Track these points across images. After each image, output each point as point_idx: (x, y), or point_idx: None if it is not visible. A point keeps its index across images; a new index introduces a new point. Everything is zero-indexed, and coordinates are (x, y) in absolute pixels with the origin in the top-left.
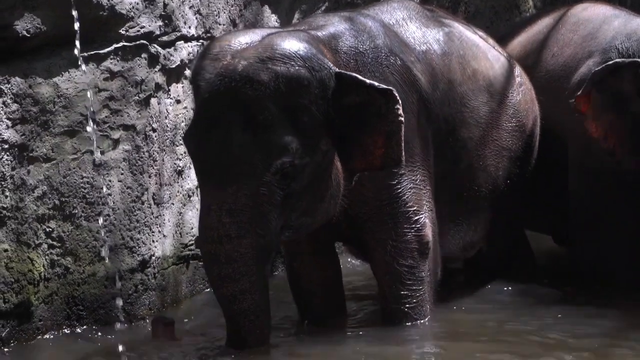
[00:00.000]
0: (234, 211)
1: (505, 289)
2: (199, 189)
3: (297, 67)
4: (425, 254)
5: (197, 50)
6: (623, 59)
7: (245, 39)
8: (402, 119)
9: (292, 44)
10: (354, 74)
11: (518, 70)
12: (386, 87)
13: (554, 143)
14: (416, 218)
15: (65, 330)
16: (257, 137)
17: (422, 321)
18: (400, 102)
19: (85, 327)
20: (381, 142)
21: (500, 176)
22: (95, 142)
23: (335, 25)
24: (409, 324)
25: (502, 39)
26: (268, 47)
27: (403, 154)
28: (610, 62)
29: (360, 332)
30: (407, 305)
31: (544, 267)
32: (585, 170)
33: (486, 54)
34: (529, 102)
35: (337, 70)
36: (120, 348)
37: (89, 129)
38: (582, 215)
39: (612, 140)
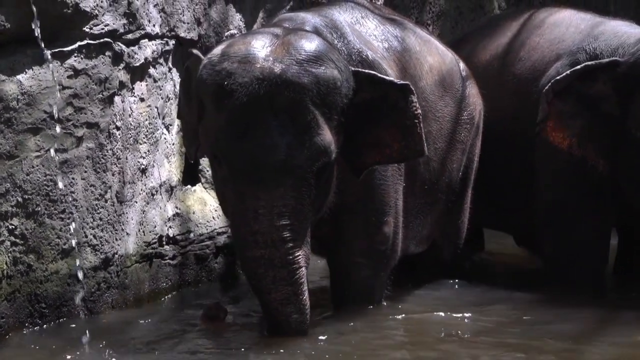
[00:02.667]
0: (285, 214)
1: (455, 283)
2: (162, 188)
3: (332, 69)
4: (383, 250)
5: (161, 49)
6: (594, 62)
7: (264, 41)
8: (420, 111)
9: (321, 46)
10: (373, 72)
11: (462, 64)
12: (404, 82)
13: (520, 144)
14: (383, 214)
15: (28, 327)
16: (300, 138)
17: (372, 307)
18: (415, 95)
19: (47, 324)
20: (399, 136)
21: (455, 169)
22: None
23: (311, 22)
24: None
25: (463, 41)
26: (300, 49)
27: (425, 145)
28: (578, 67)
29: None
30: (362, 294)
31: (505, 265)
32: (552, 171)
33: (437, 49)
34: (476, 96)
35: (353, 68)
36: (84, 339)
37: (57, 128)
38: (548, 215)
39: (584, 146)
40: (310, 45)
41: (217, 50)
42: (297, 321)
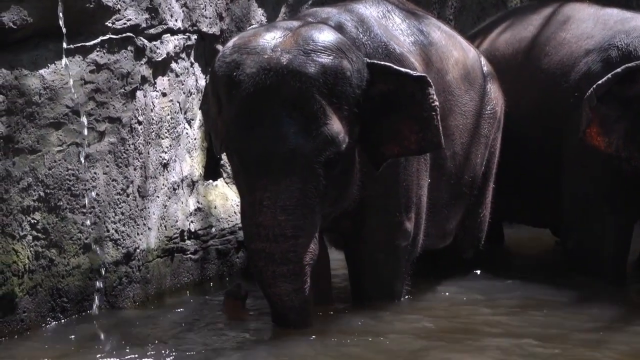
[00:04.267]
0: (288, 208)
1: (476, 277)
2: (184, 182)
3: (340, 59)
4: (404, 245)
5: (184, 44)
6: (634, 63)
7: (276, 33)
8: (437, 103)
9: (330, 36)
10: (388, 64)
11: (483, 59)
12: (420, 74)
13: (548, 138)
14: (405, 209)
15: (49, 321)
16: (306, 128)
17: (394, 303)
18: (433, 87)
19: (69, 318)
20: (416, 127)
21: (478, 164)
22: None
23: (337, 17)
24: (383, 307)
25: (481, 34)
26: (309, 39)
27: (442, 137)
28: (618, 70)
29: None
30: (382, 289)
31: (540, 260)
32: (580, 165)
33: (461, 44)
34: (498, 90)
35: (368, 60)
36: (102, 336)
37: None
38: (574, 208)
39: (628, 147)
40: (319, 36)
41: (230, 42)
42: (296, 317)
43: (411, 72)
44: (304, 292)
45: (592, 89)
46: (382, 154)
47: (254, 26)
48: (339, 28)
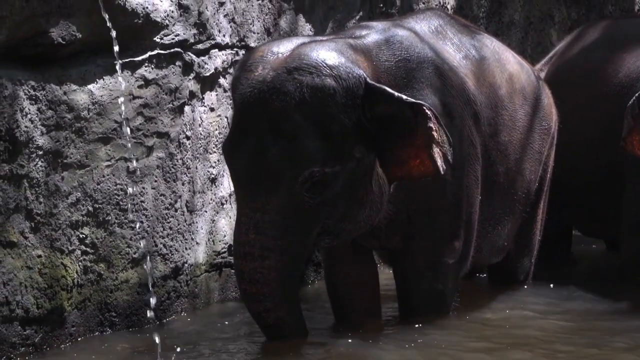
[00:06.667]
0: (260, 227)
1: (528, 293)
2: (232, 197)
3: (322, 77)
4: (452, 263)
5: (232, 59)
6: None
7: (278, 48)
8: (435, 132)
9: (320, 53)
10: (383, 87)
11: (537, 74)
12: (415, 101)
13: (612, 155)
14: (454, 226)
15: (98, 336)
16: (283, 147)
17: (442, 319)
18: (430, 115)
19: (117, 333)
20: (413, 154)
21: (533, 180)
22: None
23: (376, 34)
24: (430, 322)
25: (555, 56)
26: (296, 57)
27: (440, 163)
28: None
29: (389, 336)
30: (429, 306)
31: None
32: None
33: (515, 59)
34: (552, 106)
35: (368, 80)
36: (150, 349)
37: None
38: (632, 223)
39: None
40: (310, 54)
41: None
42: (273, 333)
43: (404, 97)
44: (277, 311)
45: (634, 97)
46: (390, 176)
47: (277, 39)
48: (373, 47)
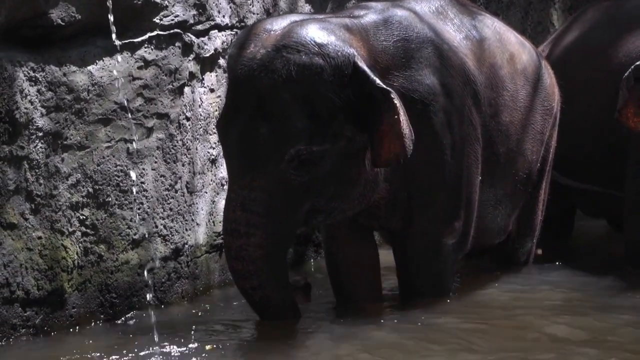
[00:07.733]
0: (246, 204)
1: (527, 276)
2: None
3: (310, 55)
4: (452, 243)
5: (231, 40)
6: None
7: (272, 26)
8: (397, 123)
9: (310, 31)
10: (364, 67)
11: (539, 54)
12: (385, 87)
13: (614, 130)
14: (454, 207)
15: (98, 317)
16: (270, 125)
17: (442, 300)
18: (397, 104)
19: (118, 314)
20: (379, 138)
21: (534, 160)
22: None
23: (375, 14)
24: (430, 303)
25: (557, 37)
26: (286, 35)
27: (406, 149)
28: None
29: (389, 317)
30: (429, 287)
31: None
32: None
33: (516, 39)
34: (554, 86)
35: (356, 59)
36: (156, 337)
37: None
38: (635, 202)
39: None
40: (300, 32)
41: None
42: (261, 311)
43: (377, 81)
44: (263, 288)
45: (630, 69)
46: (372, 159)
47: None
48: (371, 27)
